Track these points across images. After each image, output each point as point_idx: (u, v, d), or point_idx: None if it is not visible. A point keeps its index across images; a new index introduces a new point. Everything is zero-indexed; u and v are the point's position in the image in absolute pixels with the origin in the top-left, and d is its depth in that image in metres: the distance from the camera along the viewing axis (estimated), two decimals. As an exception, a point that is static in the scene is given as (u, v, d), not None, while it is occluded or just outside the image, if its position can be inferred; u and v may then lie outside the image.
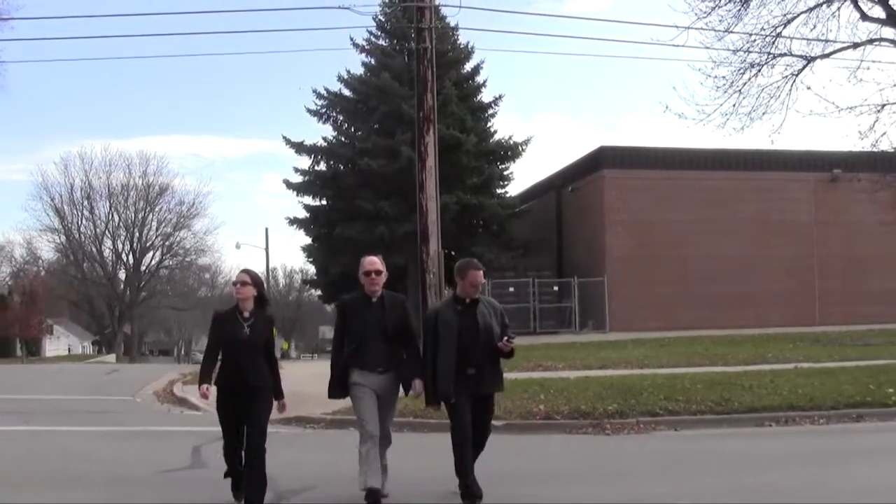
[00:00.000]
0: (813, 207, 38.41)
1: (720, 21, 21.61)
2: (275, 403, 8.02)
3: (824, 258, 38.11)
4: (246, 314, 7.84)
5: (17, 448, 12.31)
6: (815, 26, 21.62)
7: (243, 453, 7.78)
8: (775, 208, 37.87)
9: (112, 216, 76.00)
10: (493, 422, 12.47)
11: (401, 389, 8.28)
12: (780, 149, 33.99)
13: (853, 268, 37.85)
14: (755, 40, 21.91)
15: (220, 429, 8.02)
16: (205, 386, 7.84)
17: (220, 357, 7.95)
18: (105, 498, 8.56)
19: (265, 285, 8.18)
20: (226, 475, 8.12)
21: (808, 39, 21.52)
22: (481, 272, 8.19)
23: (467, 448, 8.04)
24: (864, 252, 37.83)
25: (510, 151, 43.77)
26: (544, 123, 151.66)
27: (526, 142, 43.77)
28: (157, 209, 76.58)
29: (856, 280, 37.72)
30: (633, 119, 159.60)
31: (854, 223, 37.07)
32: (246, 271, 8.06)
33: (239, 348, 7.73)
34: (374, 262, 8.18)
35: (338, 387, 8.18)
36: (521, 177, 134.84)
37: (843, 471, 9.91)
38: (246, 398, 7.65)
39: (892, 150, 22.18)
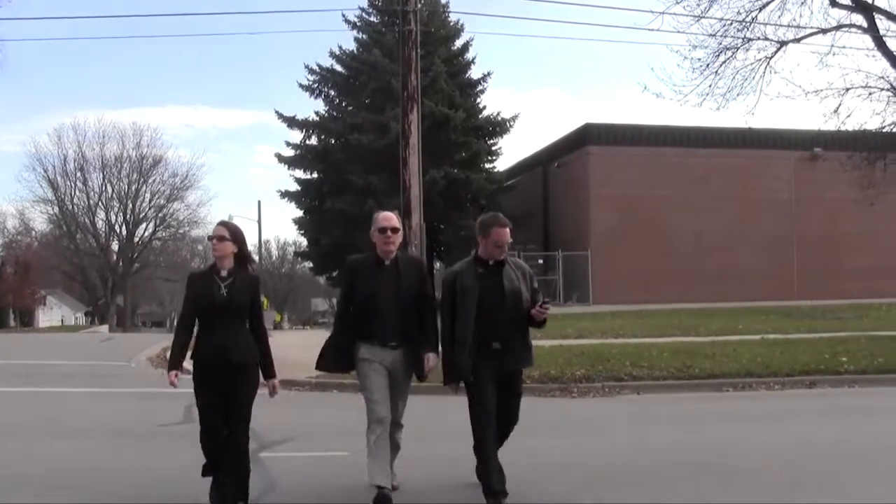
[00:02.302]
0: (793, 185, 39.11)
1: (697, 4, 22.34)
2: (263, 383, 6.78)
3: (804, 235, 38.86)
4: (223, 273, 6.57)
5: (24, 406, 13.28)
6: (782, 13, 22.38)
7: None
8: (757, 185, 38.58)
9: (105, 188, 76.36)
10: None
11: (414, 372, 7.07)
12: (763, 127, 34.79)
13: (832, 244, 38.60)
14: (731, 23, 22.63)
15: None
16: (174, 373, 6.51)
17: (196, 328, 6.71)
18: (110, 447, 9.46)
19: (248, 243, 6.87)
20: (204, 472, 6.71)
21: (780, 25, 22.27)
22: (507, 229, 6.81)
23: (488, 437, 6.77)
24: (843, 229, 38.56)
25: (498, 127, 44.56)
26: (539, 98, 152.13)
27: (514, 118, 44.61)
28: (150, 181, 76.83)
29: (834, 256, 38.48)
30: (626, 95, 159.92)
31: (833, 201, 37.71)
32: (223, 224, 6.85)
33: (215, 314, 6.46)
34: (390, 217, 6.98)
35: (337, 357, 6.98)
36: (512, 152, 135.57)
37: (775, 427, 10.82)
38: (226, 376, 6.43)
39: (858, 130, 22.94)
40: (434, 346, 6.93)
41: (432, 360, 6.90)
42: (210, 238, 6.77)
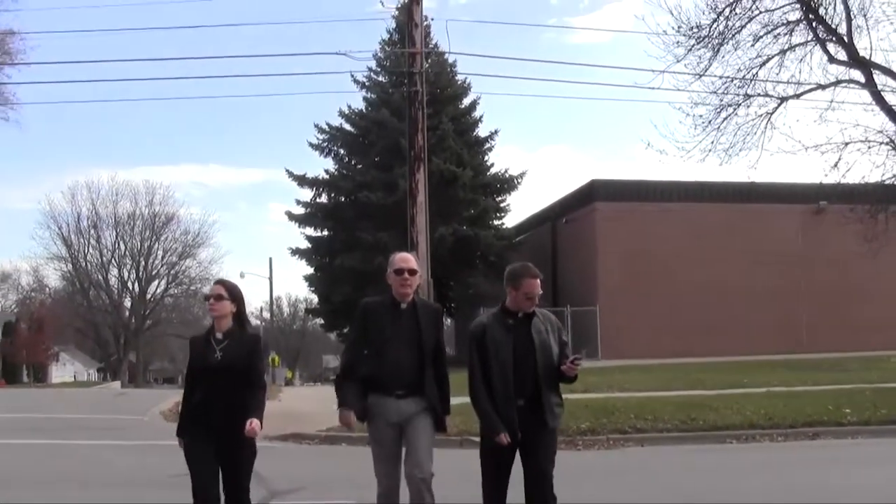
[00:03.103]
0: (800, 238, 39.28)
1: (698, 62, 22.88)
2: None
3: (811, 287, 38.91)
4: (219, 335, 6.26)
5: (42, 457, 13.67)
6: (780, 71, 22.92)
7: None
8: (763, 239, 38.71)
9: (118, 245, 77.22)
10: (472, 437, 13.66)
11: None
12: (768, 181, 35.18)
13: (839, 297, 38.60)
14: (732, 80, 23.15)
15: None
16: (181, 441, 6.27)
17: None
18: (126, 495, 9.84)
19: (245, 301, 6.50)
20: None
21: (779, 82, 22.79)
22: (538, 280, 6.43)
23: None
24: (850, 282, 38.59)
25: (506, 184, 45.18)
26: (547, 155, 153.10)
27: (521, 175, 45.24)
28: (162, 238, 77.76)
29: (842, 309, 38.47)
30: (634, 151, 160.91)
31: (840, 253, 37.78)
32: (221, 282, 6.50)
33: (208, 378, 6.14)
34: (408, 258, 6.62)
35: (354, 395, 6.40)
36: (521, 208, 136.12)
37: (769, 477, 11.13)
38: (219, 442, 6.05)
39: (860, 184, 23.36)
40: (448, 407, 6.56)
41: (446, 422, 6.55)
42: (207, 297, 6.40)
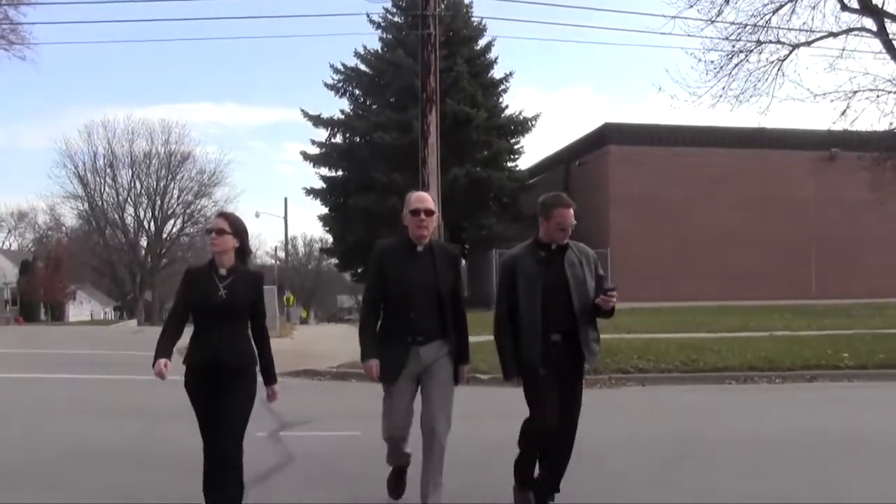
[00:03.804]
0: (812, 184, 39.34)
1: (711, 7, 22.92)
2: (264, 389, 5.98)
3: (822, 234, 39.07)
4: (223, 272, 5.82)
5: (65, 390, 14.43)
6: (791, 17, 22.93)
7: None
8: (775, 185, 38.83)
9: (134, 184, 77.71)
10: (478, 374, 14.07)
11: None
12: (781, 127, 35.19)
13: (850, 244, 38.76)
14: (745, 26, 23.20)
15: None
16: (162, 361, 5.73)
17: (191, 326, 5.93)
18: (143, 423, 10.35)
19: (248, 234, 6.03)
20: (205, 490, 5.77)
21: (791, 29, 22.82)
22: (571, 210, 6.23)
23: (538, 444, 6.26)
24: (861, 228, 38.70)
25: (520, 126, 45.39)
26: (564, 98, 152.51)
27: (535, 117, 45.44)
28: (178, 177, 78.16)
29: (852, 256, 38.67)
30: (650, 96, 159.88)
31: (851, 200, 37.97)
32: (223, 215, 6.03)
33: (211, 315, 5.75)
34: (424, 198, 6.28)
35: (377, 351, 6.08)
36: (535, 150, 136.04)
37: (760, 417, 11.57)
38: (220, 383, 5.71)
39: (868, 132, 23.48)
40: (466, 355, 6.32)
41: (465, 371, 6.31)
42: (208, 231, 5.98)
